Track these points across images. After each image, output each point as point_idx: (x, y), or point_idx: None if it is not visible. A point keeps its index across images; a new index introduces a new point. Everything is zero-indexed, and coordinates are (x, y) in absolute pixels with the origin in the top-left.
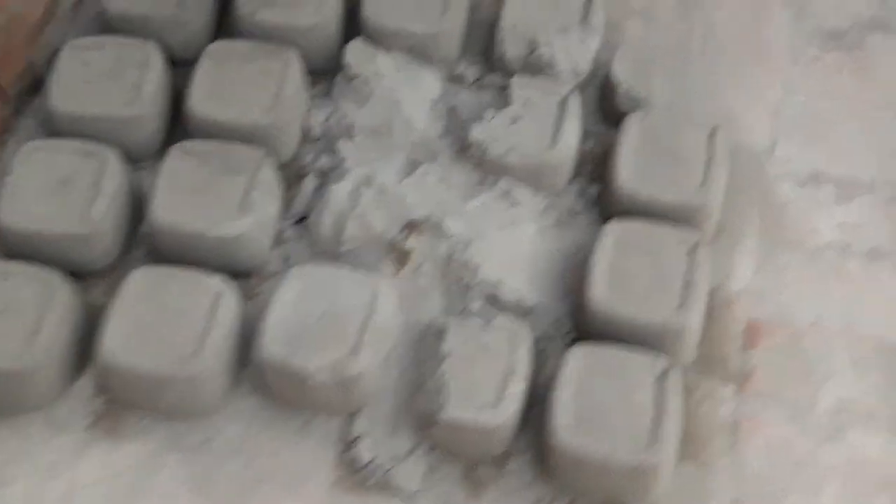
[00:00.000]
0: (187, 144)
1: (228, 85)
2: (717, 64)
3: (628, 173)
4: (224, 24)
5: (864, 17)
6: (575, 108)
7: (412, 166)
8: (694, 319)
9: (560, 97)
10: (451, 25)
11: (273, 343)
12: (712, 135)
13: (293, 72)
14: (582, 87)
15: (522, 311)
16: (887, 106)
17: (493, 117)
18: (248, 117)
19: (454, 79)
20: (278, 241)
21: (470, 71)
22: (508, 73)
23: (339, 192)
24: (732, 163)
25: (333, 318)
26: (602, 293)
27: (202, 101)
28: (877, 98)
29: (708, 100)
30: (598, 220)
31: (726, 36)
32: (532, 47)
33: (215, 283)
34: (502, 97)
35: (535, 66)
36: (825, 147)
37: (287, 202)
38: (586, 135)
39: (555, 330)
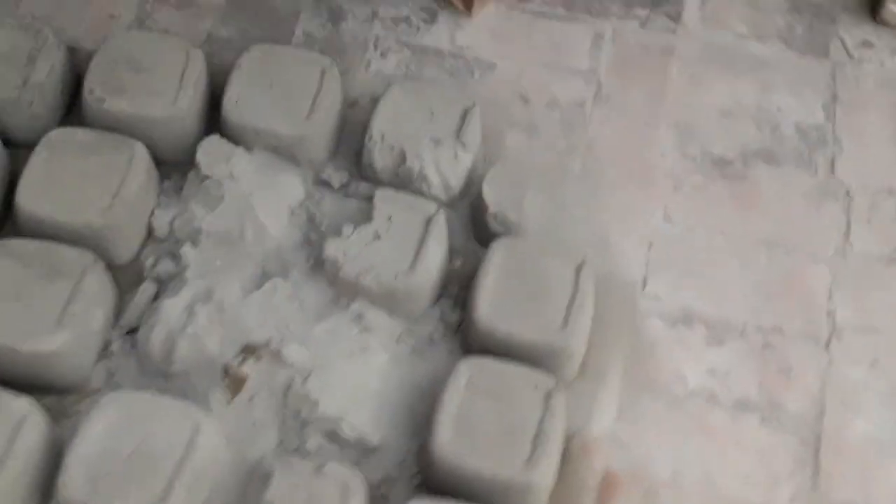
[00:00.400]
0: (10, 243)
1: (64, 178)
2: (596, 186)
3: (487, 307)
4: (74, 109)
5: (752, 146)
6: (440, 229)
7: (261, 279)
8: (544, 475)
9: (425, 217)
10: (318, 129)
11: (73, 482)
12: (579, 269)
13: (137, 167)
14: (454, 203)
15: (365, 450)
16: (766, 243)
17: (351, 233)
18: (81, 217)
19: (320, 183)
20: (105, 353)
21: (337, 176)
22: (377, 182)
23: (173, 307)
24: (602, 295)
25: (145, 455)
26: (447, 442)
27: (32, 195)
28: (757, 233)
29: (583, 225)
30: (459, 350)
31: (608, 156)
32: (401, 159)
33: (19, 406)
34: (367, 209)
35: (404, 179)
36: (700, 284)
37: (121, 308)
38: (454, 252)
39: (399, 472)
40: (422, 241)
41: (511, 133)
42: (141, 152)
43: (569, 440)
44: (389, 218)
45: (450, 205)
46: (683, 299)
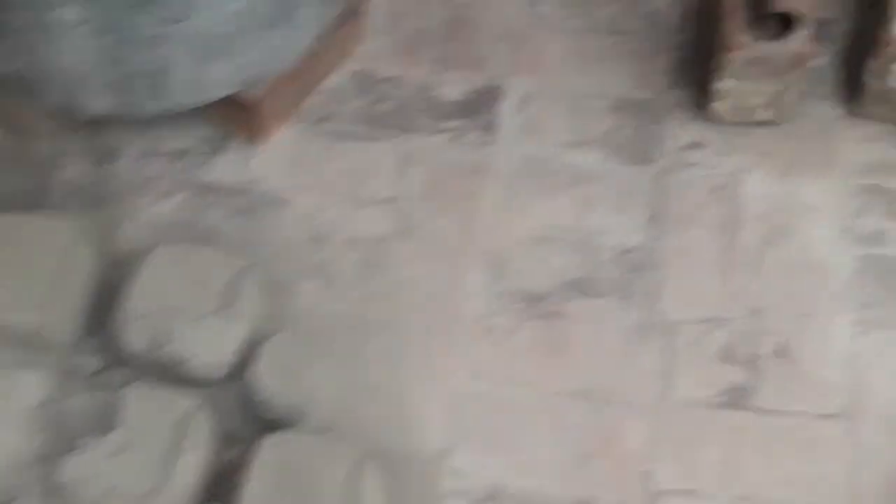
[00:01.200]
0: None
1: None
2: (397, 342)
3: None
4: None
5: (569, 276)
6: (199, 431)
7: None
8: None
9: (181, 416)
10: (62, 311)
11: None
12: (358, 467)
13: None
14: (231, 377)
15: None
16: (581, 395)
17: (90, 447)
18: None
19: (69, 373)
20: None
21: (91, 362)
22: (135, 368)
23: None
24: (398, 482)
25: None
26: None
27: None
28: (570, 384)
29: (378, 395)
30: None
31: (412, 302)
32: (159, 342)
33: None
34: (118, 408)
35: (164, 364)
36: (509, 452)
37: None
38: (230, 442)
39: None
40: (176, 448)
41: (303, 283)
42: None
43: None
44: (138, 422)
45: (226, 381)
46: (491, 474)
